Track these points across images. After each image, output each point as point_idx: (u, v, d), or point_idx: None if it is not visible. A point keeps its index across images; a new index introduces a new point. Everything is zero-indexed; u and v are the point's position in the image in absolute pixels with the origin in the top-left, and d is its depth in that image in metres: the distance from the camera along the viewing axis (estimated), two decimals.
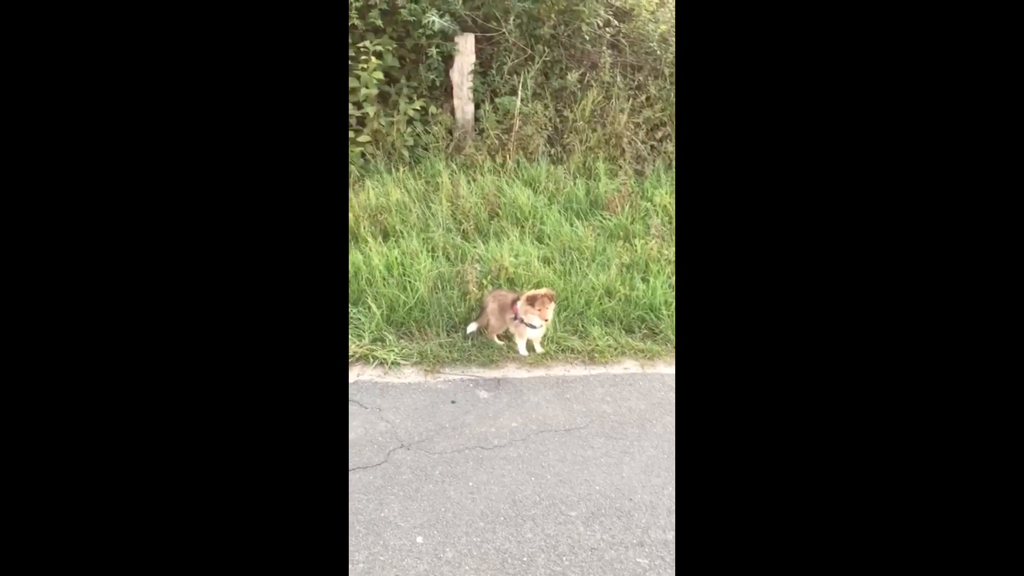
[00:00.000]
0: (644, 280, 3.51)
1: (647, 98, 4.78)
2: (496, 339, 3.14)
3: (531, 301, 2.89)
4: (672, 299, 3.40)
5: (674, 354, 3.17)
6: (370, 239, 3.68)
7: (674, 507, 2.23)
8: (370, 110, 4.33)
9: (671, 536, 2.12)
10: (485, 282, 3.37)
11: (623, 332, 3.28)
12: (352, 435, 2.52)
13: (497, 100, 4.67)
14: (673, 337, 3.24)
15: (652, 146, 4.72)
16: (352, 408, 2.69)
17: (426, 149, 4.54)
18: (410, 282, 3.37)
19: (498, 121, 4.61)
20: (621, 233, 3.93)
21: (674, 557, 2.04)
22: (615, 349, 3.16)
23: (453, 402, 2.75)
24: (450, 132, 4.66)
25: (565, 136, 4.70)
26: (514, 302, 2.99)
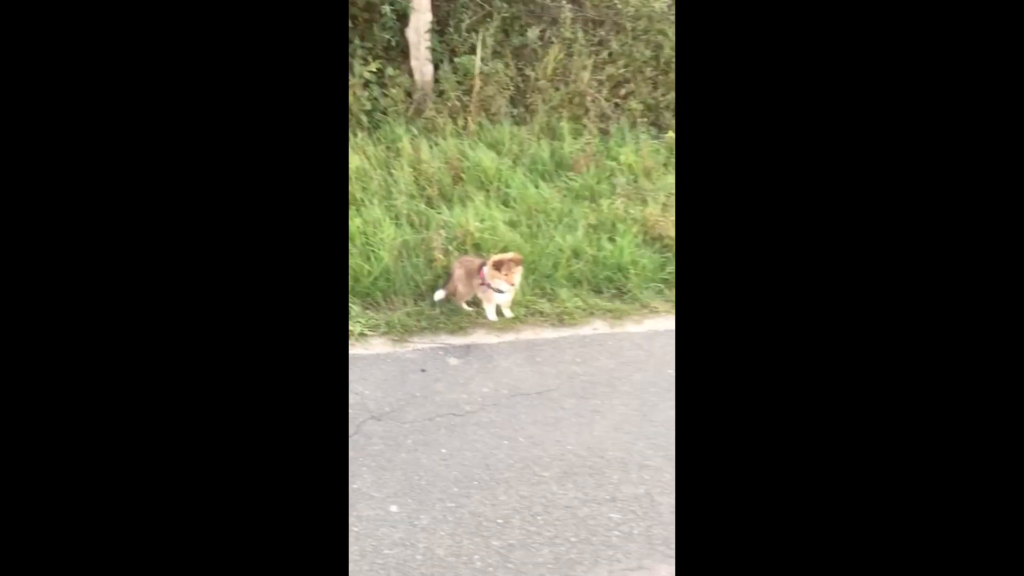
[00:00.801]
0: (611, 240, 3.50)
1: (609, 54, 4.68)
2: (465, 305, 3.11)
3: (497, 266, 2.85)
4: (639, 258, 3.41)
5: (642, 313, 3.19)
6: None
7: (644, 462, 2.27)
8: None
9: (642, 490, 2.17)
10: (451, 248, 3.32)
11: (591, 293, 3.28)
12: None
13: (456, 60, 4.51)
14: (641, 296, 3.26)
15: (616, 104, 4.65)
16: None
17: (384, 113, 4.38)
18: (374, 251, 3.29)
19: (458, 82, 4.46)
20: (587, 193, 3.90)
21: (645, 510, 2.09)
22: (584, 310, 3.16)
23: (423, 370, 2.73)
24: (409, 94, 4.50)
25: (528, 96, 4.59)
26: (481, 267, 2.95)
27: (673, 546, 1.98)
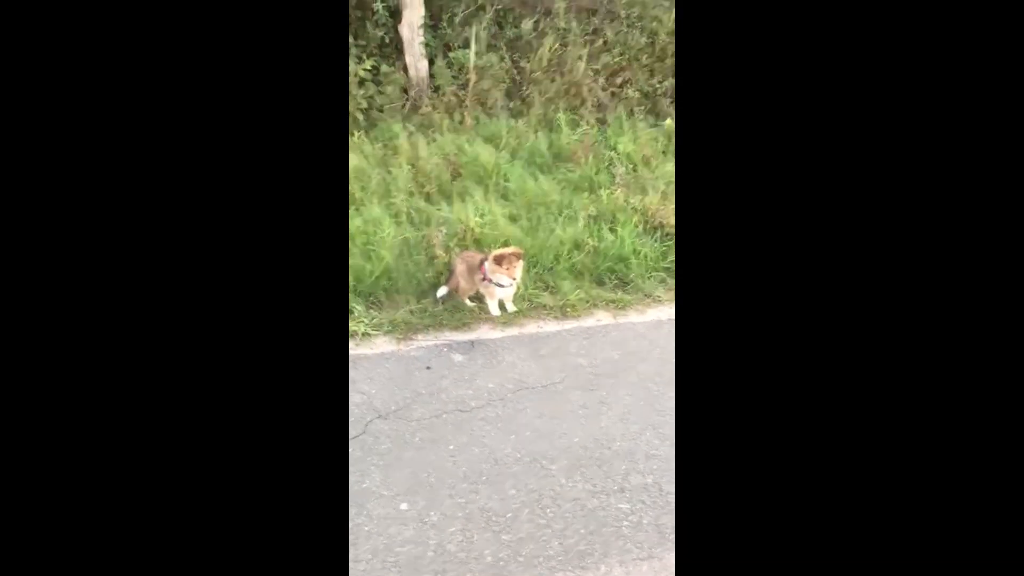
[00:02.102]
0: (612, 230, 3.49)
1: (604, 42, 4.65)
2: (467, 301, 3.11)
3: (498, 260, 2.85)
4: (640, 247, 3.40)
5: (645, 302, 3.19)
6: None
7: (652, 452, 2.28)
8: None
9: (651, 480, 2.17)
10: (452, 245, 3.32)
11: (593, 284, 3.28)
12: None
13: (451, 54, 4.49)
14: (643, 286, 3.25)
15: (612, 92, 4.63)
16: None
17: (381, 111, 4.37)
18: (375, 250, 3.29)
19: (453, 77, 4.45)
20: (586, 184, 3.89)
21: (654, 500, 2.10)
22: (586, 302, 3.16)
23: (428, 368, 2.74)
24: (404, 91, 4.49)
25: (524, 88, 4.57)
26: (482, 262, 2.95)
27: None
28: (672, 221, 3.54)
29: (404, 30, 4.46)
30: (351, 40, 4.41)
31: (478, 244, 3.36)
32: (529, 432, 2.37)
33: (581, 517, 2.03)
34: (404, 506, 2.09)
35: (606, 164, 4.04)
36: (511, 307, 3.10)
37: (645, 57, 4.68)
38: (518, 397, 2.56)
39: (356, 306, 3.08)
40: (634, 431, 2.37)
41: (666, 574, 1.89)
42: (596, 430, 2.39)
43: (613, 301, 3.18)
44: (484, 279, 2.95)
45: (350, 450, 2.28)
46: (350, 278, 3.17)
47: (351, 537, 1.95)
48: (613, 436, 2.35)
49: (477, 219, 3.47)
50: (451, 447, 2.33)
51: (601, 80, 4.60)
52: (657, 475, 2.19)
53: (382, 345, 2.91)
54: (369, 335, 2.95)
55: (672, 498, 2.10)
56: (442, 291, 3.11)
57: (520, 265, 2.93)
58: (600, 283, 3.31)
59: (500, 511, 2.08)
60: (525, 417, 2.45)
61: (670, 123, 4.39)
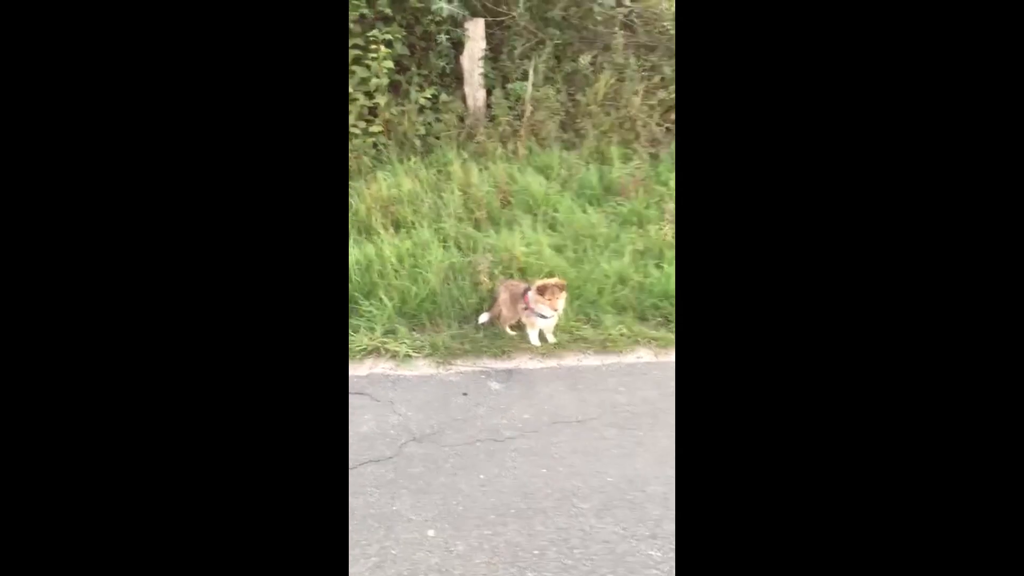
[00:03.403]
0: (658, 267, 3.45)
1: (661, 79, 4.66)
2: (508, 329, 3.13)
3: (541, 291, 2.86)
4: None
5: None
6: (382, 230, 3.68)
7: None
8: (381, 100, 4.31)
9: None
10: (496, 272, 3.35)
11: (636, 320, 3.24)
12: (364, 428, 2.54)
13: (508, 86, 4.60)
14: None
15: (667, 128, 4.62)
16: (364, 401, 2.71)
17: (438, 138, 4.51)
18: (421, 273, 3.36)
19: (510, 107, 4.55)
20: (635, 219, 3.87)
21: None
22: (628, 338, 3.12)
23: (465, 394, 2.75)
24: (461, 119, 4.62)
25: (578, 120, 4.62)
26: (525, 291, 2.97)
27: None
28: None
29: (465, 61, 4.61)
30: (414, 69, 4.60)
31: (523, 273, 3.39)
32: (562, 468, 2.34)
33: (610, 561, 1.97)
34: (431, 533, 2.08)
35: (656, 199, 4.01)
36: (551, 338, 3.09)
37: None
38: (553, 430, 2.54)
39: (400, 327, 3.14)
40: (670, 475, 2.30)
41: None
42: (630, 471, 2.33)
43: (656, 339, 3.12)
44: (526, 308, 2.96)
45: (382, 471, 2.31)
46: (396, 300, 3.24)
47: (378, 560, 1.96)
48: (648, 478, 2.29)
49: (523, 248, 3.50)
50: (482, 476, 2.32)
51: (656, 115, 4.61)
52: None
53: (422, 367, 2.95)
54: (410, 357, 3.00)
55: None
56: (484, 317, 3.13)
57: (563, 296, 2.93)
58: (643, 319, 3.27)
59: (527, 547, 2.04)
60: (559, 451, 2.42)
61: None
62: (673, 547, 2.03)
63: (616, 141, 4.51)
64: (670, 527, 2.10)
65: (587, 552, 2.02)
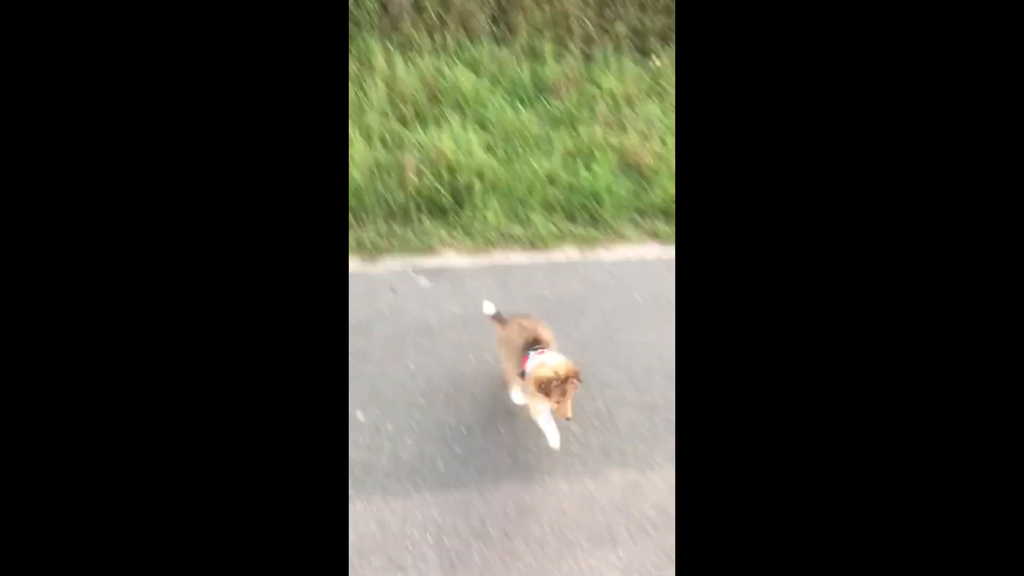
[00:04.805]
0: (587, 168, 3.46)
1: None
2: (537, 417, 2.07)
3: (544, 388, 1.86)
4: (615, 186, 3.39)
5: (614, 241, 3.21)
6: None
7: (605, 380, 2.35)
8: None
9: (601, 405, 2.25)
10: (423, 168, 3.25)
11: (565, 219, 3.27)
12: None
13: None
14: (614, 224, 3.26)
15: (603, 27, 4.48)
16: None
17: (358, 26, 4.16)
18: None
19: None
20: (566, 119, 3.81)
21: (603, 424, 2.18)
22: (556, 236, 3.16)
23: (393, 290, 2.74)
24: (384, 7, 4.27)
25: (509, 14, 4.38)
26: (527, 346, 2.02)
27: (626, 456, 2.09)
28: (649, 161, 3.52)
29: None
30: None
31: (452, 172, 3.29)
32: (489, 356, 2.41)
33: (533, 435, 2.10)
34: (360, 415, 2.13)
35: (588, 100, 3.95)
36: (554, 442, 2.02)
37: None
38: (481, 322, 2.59)
39: None
40: (590, 360, 2.43)
41: (607, 489, 2.00)
42: None
43: (583, 237, 3.19)
44: (522, 374, 1.98)
45: None
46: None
47: None
48: None
49: (452, 146, 3.39)
50: (412, 365, 2.36)
51: (591, 12, 4.44)
52: (608, 402, 2.27)
53: (349, 264, 2.88)
54: None
55: (620, 423, 2.19)
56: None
57: (573, 394, 1.90)
58: (571, 218, 3.31)
59: (454, 425, 2.14)
60: (487, 342, 2.49)
61: (657, 62, 4.29)
62: (592, 423, 2.18)
63: (549, 38, 4.33)
64: (589, 405, 2.24)
65: (512, 427, 2.14)
